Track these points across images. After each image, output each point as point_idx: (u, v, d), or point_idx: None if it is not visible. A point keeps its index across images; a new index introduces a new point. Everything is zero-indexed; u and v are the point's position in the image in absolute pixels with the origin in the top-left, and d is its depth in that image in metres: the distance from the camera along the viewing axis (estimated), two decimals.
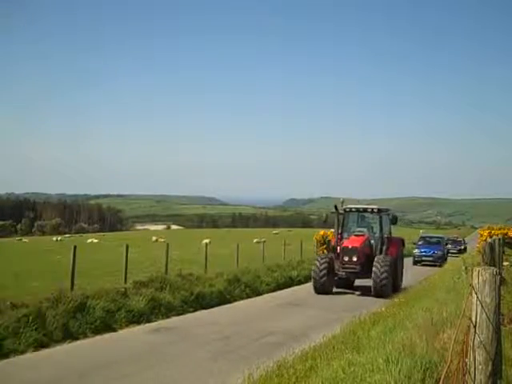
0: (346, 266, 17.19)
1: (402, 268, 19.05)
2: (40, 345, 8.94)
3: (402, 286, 18.10)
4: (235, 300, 15.19)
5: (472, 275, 3.11)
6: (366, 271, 16.89)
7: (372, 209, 18.71)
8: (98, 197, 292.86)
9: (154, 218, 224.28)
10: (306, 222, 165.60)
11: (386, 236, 18.21)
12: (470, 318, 3.06)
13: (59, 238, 58.76)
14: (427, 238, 34.73)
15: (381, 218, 18.37)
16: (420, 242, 33.83)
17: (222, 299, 14.69)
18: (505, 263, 15.71)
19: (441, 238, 35.44)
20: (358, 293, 17.72)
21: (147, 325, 11.28)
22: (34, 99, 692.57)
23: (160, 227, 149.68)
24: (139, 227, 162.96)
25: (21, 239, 64.23)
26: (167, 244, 15.78)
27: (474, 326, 3.02)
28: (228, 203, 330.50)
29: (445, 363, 4.10)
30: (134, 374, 7.77)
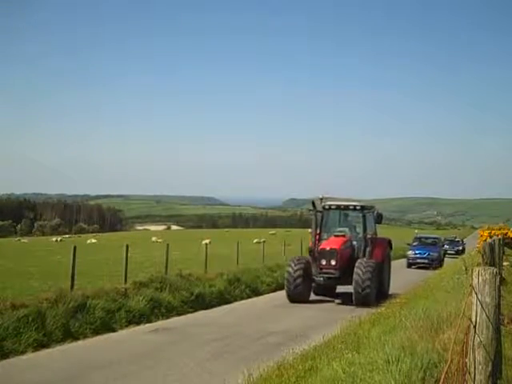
0: (324, 270, 15.25)
1: (389, 273, 17.26)
2: (40, 345, 8.94)
3: (390, 293, 16.44)
4: (235, 300, 15.20)
5: (472, 275, 3.12)
6: (346, 277, 14.90)
7: (354, 206, 16.74)
8: (97, 197, 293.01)
9: (153, 219, 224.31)
10: (305, 222, 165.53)
11: (370, 236, 16.32)
12: (470, 318, 3.07)
13: (59, 239, 58.78)
14: (422, 239, 32.72)
15: (364, 216, 16.53)
16: (415, 243, 31.76)
17: (222, 299, 14.71)
18: (505, 263, 15.72)
19: (437, 238, 33.61)
20: (337, 301, 15.84)
21: (147, 325, 11.28)
22: (33, 99, 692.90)
23: (160, 227, 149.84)
24: (139, 227, 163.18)
25: (19, 240, 64.21)
26: (167, 244, 15.79)
27: (474, 326, 3.02)
28: (228, 203, 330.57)
29: (445, 363, 4.10)
30: (133, 373, 7.78)
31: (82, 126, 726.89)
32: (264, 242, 29.59)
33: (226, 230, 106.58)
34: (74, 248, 11.32)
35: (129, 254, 13.17)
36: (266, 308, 14.33)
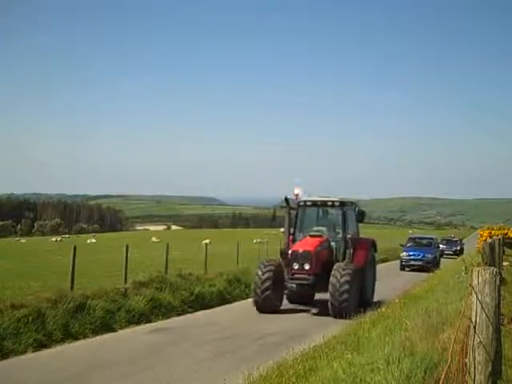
0: (296, 275, 13.40)
1: (374, 278, 15.35)
2: (40, 345, 8.94)
3: (375, 300, 14.71)
4: (235, 300, 15.18)
5: (472, 275, 3.12)
6: (322, 283, 13.03)
7: (333, 202, 14.73)
8: (97, 197, 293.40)
9: (153, 219, 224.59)
10: None
11: (350, 237, 14.35)
12: (470, 318, 3.07)
13: (58, 239, 58.79)
14: (417, 240, 30.80)
15: (344, 213, 14.52)
16: (408, 244, 29.63)
17: (222, 299, 14.70)
18: (505, 263, 15.74)
19: (432, 239, 31.44)
20: (314, 310, 14.08)
21: (147, 325, 11.28)
22: (33, 99, 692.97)
23: (160, 227, 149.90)
24: (139, 227, 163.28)
25: (18, 240, 64.15)
26: (167, 244, 15.79)
27: (474, 326, 3.02)
28: (228, 203, 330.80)
29: (445, 363, 4.10)
30: (134, 373, 7.77)
31: (82, 126, 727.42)
32: (265, 241, 29.53)
33: (227, 229, 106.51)
34: (74, 248, 11.31)
35: (129, 254, 13.16)
36: None
